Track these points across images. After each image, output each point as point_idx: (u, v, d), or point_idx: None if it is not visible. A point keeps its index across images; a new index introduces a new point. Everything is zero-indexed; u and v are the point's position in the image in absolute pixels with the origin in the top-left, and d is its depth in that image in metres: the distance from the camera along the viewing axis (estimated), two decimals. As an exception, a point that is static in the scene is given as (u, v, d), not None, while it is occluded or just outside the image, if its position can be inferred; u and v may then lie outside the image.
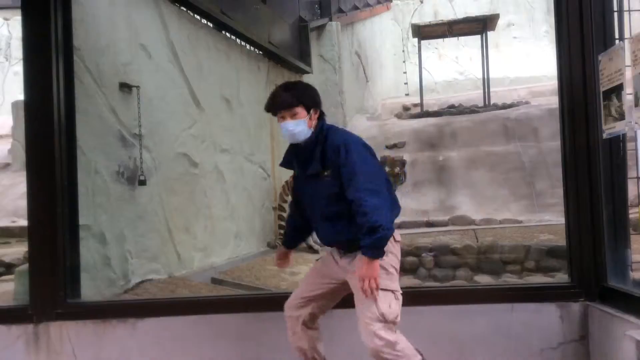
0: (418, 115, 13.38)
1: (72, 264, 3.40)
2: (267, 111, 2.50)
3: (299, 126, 2.39)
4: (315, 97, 2.49)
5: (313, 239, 4.91)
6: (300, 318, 2.63)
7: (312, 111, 2.44)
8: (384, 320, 2.34)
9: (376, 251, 2.29)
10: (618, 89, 2.67)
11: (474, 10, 17.60)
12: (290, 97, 2.41)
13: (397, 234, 2.49)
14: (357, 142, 2.44)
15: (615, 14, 2.97)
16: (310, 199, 2.54)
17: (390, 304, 2.38)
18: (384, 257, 2.36)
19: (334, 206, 2.42)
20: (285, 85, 2.54)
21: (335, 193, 2.38)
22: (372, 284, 2.30)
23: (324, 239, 2.59)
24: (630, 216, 3.03)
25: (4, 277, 5.85)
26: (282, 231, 7.07)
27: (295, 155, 2.53)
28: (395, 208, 2.47)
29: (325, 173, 2.39)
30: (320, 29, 11.01)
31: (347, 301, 3.28)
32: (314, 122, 2.45)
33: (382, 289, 2.34)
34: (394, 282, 2.44)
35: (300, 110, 2.40)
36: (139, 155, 4.49)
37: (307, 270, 2.99)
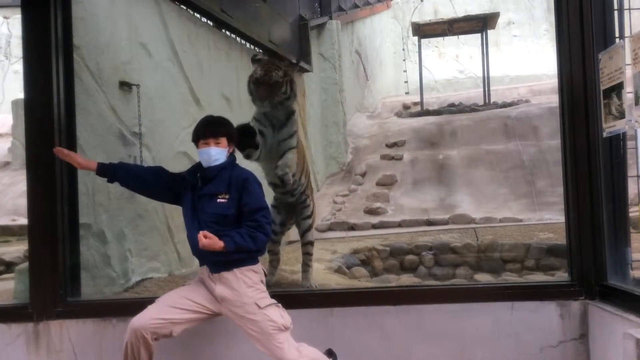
0: (418, 113, 13.37)
1: (72, 263, 3.41)
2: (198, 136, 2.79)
3: (221, 154, 2.76)
4: (235, 133, 2.94)
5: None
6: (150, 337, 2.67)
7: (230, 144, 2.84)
8: (283, 329, 2.66)
9: (231, 251, 2.59)
10: (618, 88, 2.67)
11: (474, 9, 17.61)
12: (221, 128, 2.82)
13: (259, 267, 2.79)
14: (256, 179, 2.81)
15: (616, 12, 2.98)
16: (196, 214, 2.76)
17: (281, 313, 2.71)
18: (254, 278, 2.72)
19: (219, 225, 2.67)
20: (217, 118, 2.94)
21: (223, 215, 2.68)
22: (210, 244, 2.54)
23: (203, 253, 2.68)
24: (630, 215, 3.04)
25: (4, 276, 5.85)
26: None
27: (201, 175, 2.79)
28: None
29: (226, 196, 2.70)
30: (321, 27, 10.99)
31: (345, 301, 3.29)
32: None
33: (266, 305, 2.67)
34: (268, 297, 2.74)
35: (223, 141, 2.78)
36: (139, 154, 4.49)
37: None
